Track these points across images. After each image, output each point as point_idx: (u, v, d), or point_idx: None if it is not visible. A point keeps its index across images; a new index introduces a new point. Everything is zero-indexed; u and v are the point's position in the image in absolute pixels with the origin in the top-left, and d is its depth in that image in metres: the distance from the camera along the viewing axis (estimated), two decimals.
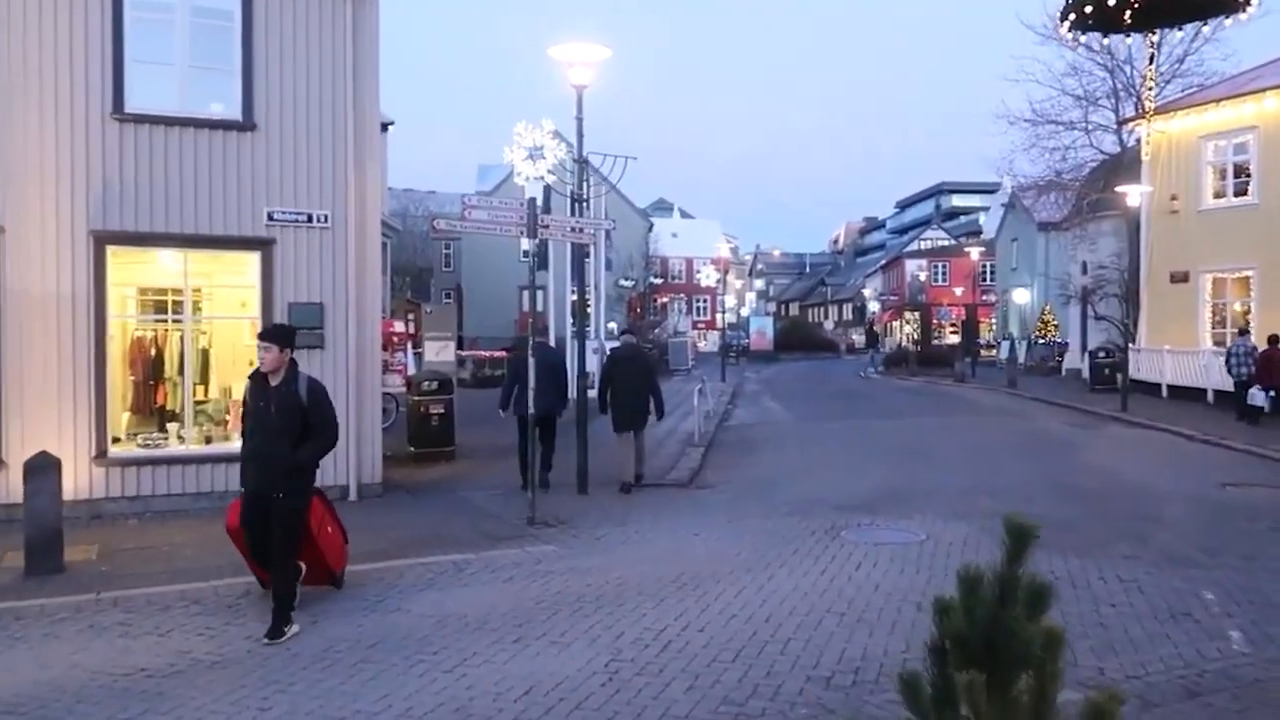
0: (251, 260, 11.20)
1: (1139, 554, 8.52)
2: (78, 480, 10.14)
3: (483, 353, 32.70)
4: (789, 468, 14.27)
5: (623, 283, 44.43)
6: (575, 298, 16.86)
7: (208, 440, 11.39)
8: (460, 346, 35.66)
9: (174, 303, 12.72)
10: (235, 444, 11.55)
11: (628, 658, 5.80)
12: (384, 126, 28.17)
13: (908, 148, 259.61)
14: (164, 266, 11.75)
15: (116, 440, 10.90)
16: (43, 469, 7.92)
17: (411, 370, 18.74)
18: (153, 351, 12.16)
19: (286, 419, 6.36)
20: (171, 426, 11.37)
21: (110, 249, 10.44)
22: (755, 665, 5.66)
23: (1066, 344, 37.04)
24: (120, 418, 11.93)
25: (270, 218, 11.09)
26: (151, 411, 12.03)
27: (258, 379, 6.54)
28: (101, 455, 10.35)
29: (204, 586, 7.53)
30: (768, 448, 16.68)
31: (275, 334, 6.58)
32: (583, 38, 11.59)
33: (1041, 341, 40.61)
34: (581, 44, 11.59)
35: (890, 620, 6.52)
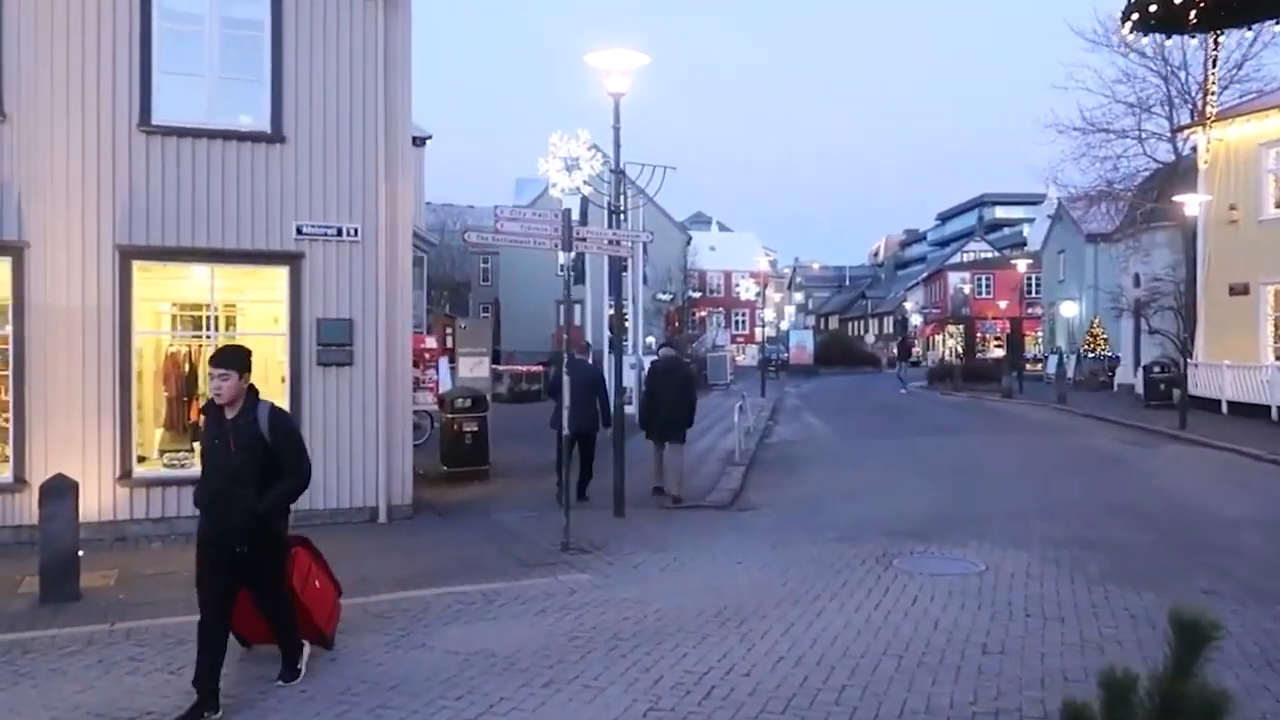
0: (280, 275, 10.91)
1: (1218, 588, 7.88)
2: (101, 501, 9.89)
3: (520, 367, 32.39)
4: (835, 488, 13.71)
5: (660, 296, 44.01)
6: (612, 311, 16.45)
7: None
8: (497, 361, 35.47)
9: (208, 318, 12.53)
10: None
11: (668, 706, 5.32)
12: (421, 140, 28.12)
13: (948, 159, 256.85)
14: (197, 281, 11.47)
15: (142, 459, 10.65)
16: (59, 492, 7.63)
17: (448, 386, 18.45)
18: (186, 368, 11.96)
19: (247, 457, 5.42)
20: (198, 445, 11.07)
21: (137, 264, 10.20)
22: (808, 718, 5.16)
23: (1118, 358, 36.00)
24: (152, 435, 11.74)
25: (299, 231, 10.80)
26: (184, 428, 11.81)
27: (213, 412, 5.57)
28: (126, 475, 10.09)
29: None
30: (811, 466, 16.12)
31: (232, 358, 5.54)
32: (619, 44, 11.19)
33: (1091, 356, 39.56)
34: (618, 50, 11.21)
35: (954, 664, 5.98)
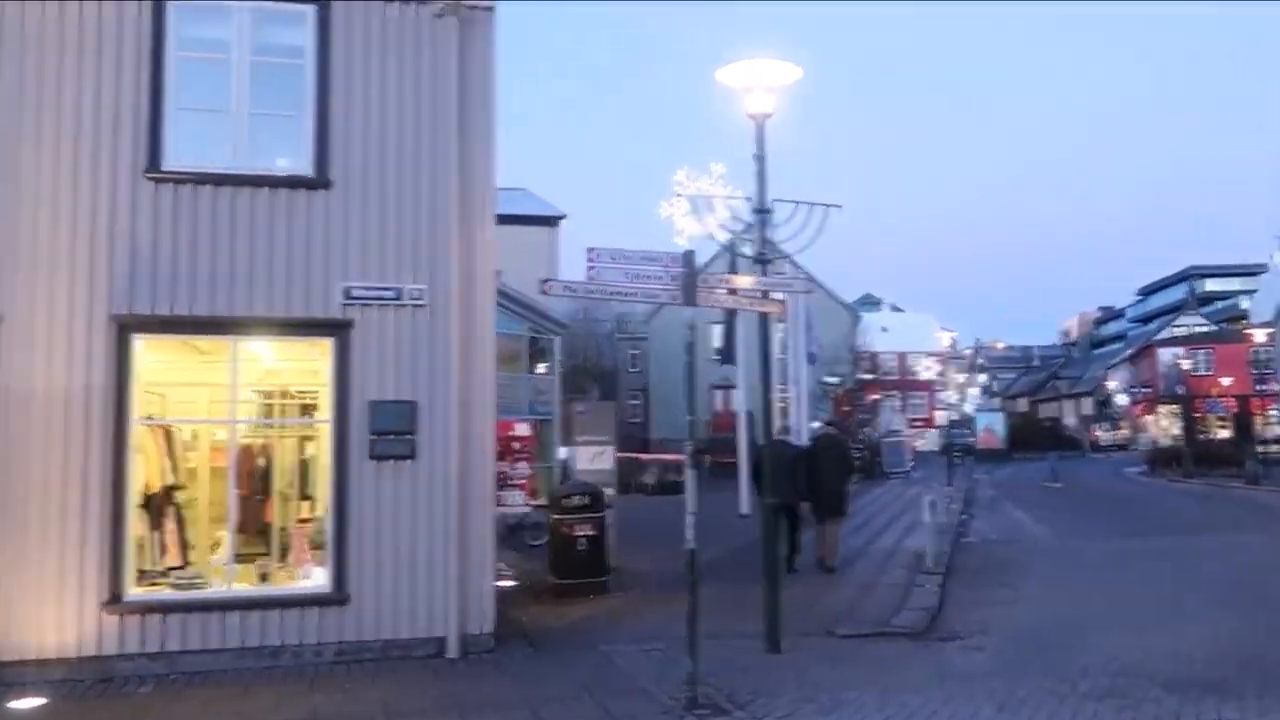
0: (324, 348, 8.73)
1: None
2: (83, 632, 7.77)
3: (668, 456, 29.66)
4: (1068, 609, 10.15)
5: (827, 379, 40.46)
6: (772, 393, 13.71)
7: (263, 578, 8.85)
8: (645, 450, 33.02)
9: (287, 406, 10.53)
10: (298, 585, 9.00)
11: None
12: (555, 220, 26.52)
13: (1136, 233, 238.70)
14: (250, 359, 9.38)
15: (142, 576, 8.39)
16: None
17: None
18: (261, 461, 10.00)
19: None
20: (215, 560, 8.92)
21: (140, 337, 8.22)
22: None
23: None
24: (208, 540, 9.71)
25: (348, 295, 8.60)
26: (260, 531, 9.81)
27: None
28: (114, 600, 7.86)
29: None
30: (1028, 577, 12.49)
31: None
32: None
33: None
34: (760, 61, 8.80)
35: None
